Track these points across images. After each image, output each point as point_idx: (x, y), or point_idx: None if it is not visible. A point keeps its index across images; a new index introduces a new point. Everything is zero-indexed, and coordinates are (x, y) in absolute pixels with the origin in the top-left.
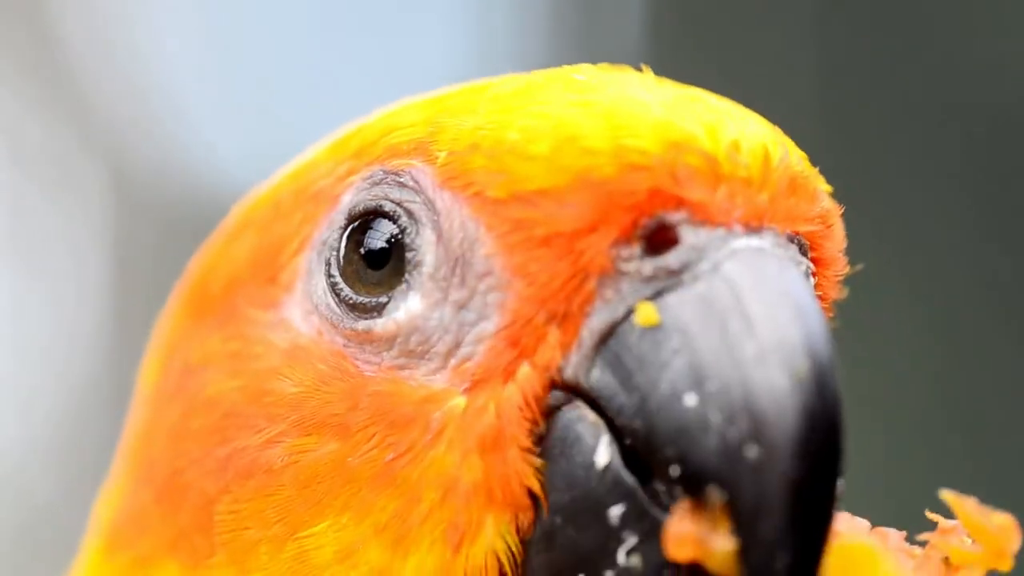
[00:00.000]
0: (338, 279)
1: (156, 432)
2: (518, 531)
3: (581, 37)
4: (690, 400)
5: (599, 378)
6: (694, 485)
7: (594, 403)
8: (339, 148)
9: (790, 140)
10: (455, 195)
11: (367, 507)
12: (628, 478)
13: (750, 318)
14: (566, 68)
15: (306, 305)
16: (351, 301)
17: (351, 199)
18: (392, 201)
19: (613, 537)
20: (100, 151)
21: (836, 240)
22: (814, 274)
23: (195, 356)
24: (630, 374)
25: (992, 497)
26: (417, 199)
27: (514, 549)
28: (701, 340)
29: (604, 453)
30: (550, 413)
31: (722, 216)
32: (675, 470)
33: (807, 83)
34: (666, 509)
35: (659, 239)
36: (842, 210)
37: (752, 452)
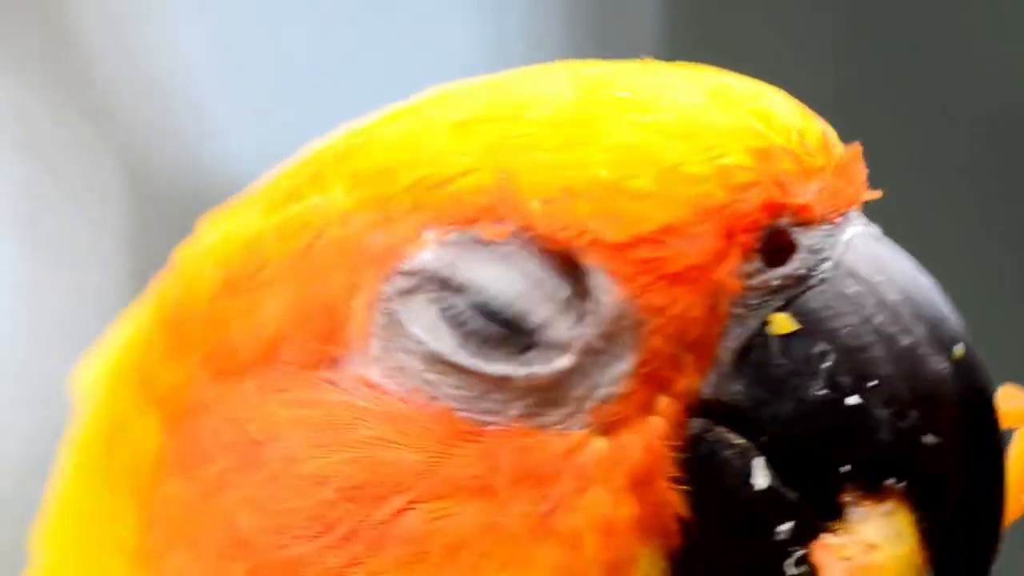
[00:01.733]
0: (467, 322)
1: (227, 507)
2: (670, 558)
3: (597, 21)
4: (852, 399)
5: (743, 392)
6: (869, 480)
7: (739, 420)
8: (371, 192)
9: (807, 107)
10: (567, 243)
11: (529, 562)
12: (791, 495)
13: (892, 308)
14: (596, 76)
15: (390, 362)
16: (484, 354)
17: (436, 258)
18: None
19: (779, 552)
20: (117, 149)
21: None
22: None
23: (255, 427)
24: (778, 383)
25: None
26: None
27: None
28: (849, 339)
29: (761, 475)
30: (694, 441)
31: (823, 210)
32: (847, 468)
33: (821, 75)
34: (831, 513)
35: (775, 247)
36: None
37: (929, 439)
